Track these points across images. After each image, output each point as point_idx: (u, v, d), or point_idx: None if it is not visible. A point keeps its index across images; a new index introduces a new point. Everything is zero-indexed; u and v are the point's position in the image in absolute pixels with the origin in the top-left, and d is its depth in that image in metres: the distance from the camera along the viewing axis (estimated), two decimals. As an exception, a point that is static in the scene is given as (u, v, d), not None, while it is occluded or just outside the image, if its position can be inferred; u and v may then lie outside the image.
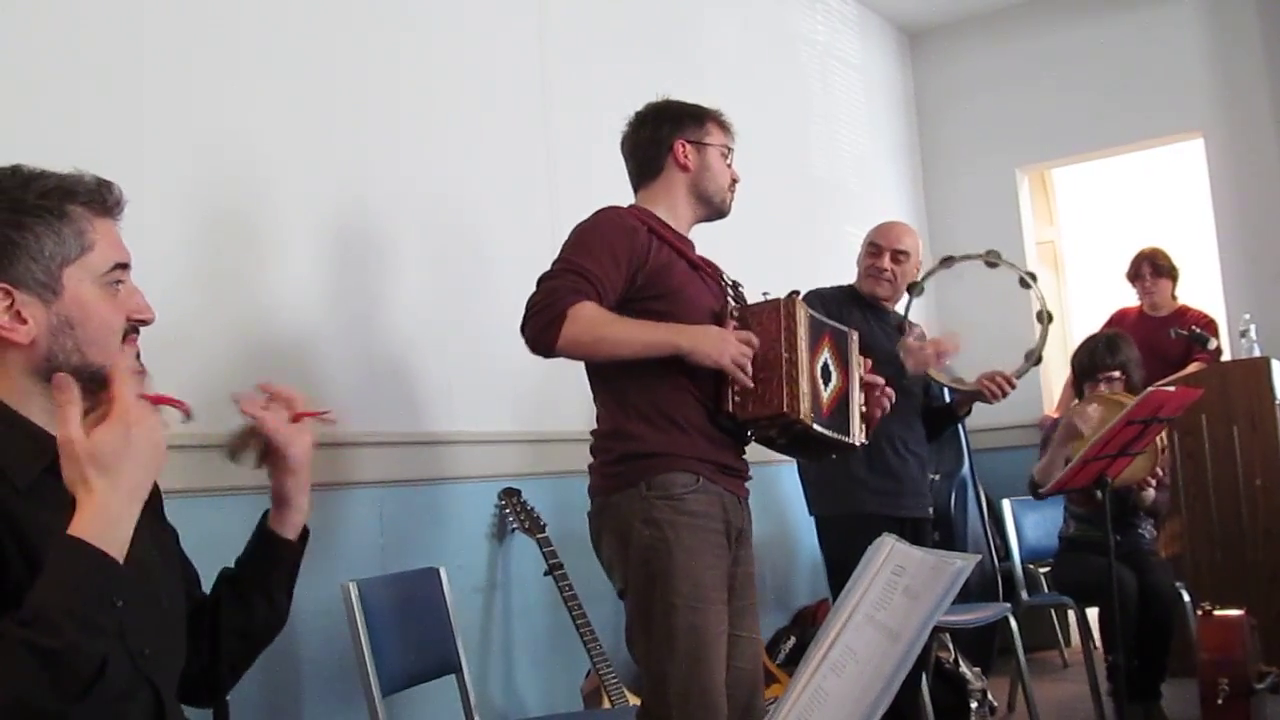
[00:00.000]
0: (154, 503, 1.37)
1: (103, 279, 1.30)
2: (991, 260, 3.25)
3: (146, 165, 2.40)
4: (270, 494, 1.49)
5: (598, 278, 2.21)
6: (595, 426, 2.36)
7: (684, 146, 2.41)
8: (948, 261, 3.28)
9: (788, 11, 5.04)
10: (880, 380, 2.49)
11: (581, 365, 2.38)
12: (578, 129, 3.54)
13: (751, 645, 2.35)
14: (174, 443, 1.27)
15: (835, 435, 2.36)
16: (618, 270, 2.24)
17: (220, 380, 2.41)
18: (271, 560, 1.50)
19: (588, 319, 2.18)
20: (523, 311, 2.22)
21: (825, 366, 2.35)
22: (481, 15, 3.36)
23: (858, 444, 2.42)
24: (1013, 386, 3.20)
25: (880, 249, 3.34)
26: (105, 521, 1.14)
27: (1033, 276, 3.29)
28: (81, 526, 1.14)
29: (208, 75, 2.57)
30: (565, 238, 2.32)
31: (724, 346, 2.22)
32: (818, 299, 3.32)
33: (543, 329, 2.17)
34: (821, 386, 2.32)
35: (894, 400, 2.53)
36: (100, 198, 1.32)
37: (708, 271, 2.41)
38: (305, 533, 1.51)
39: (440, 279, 3.11)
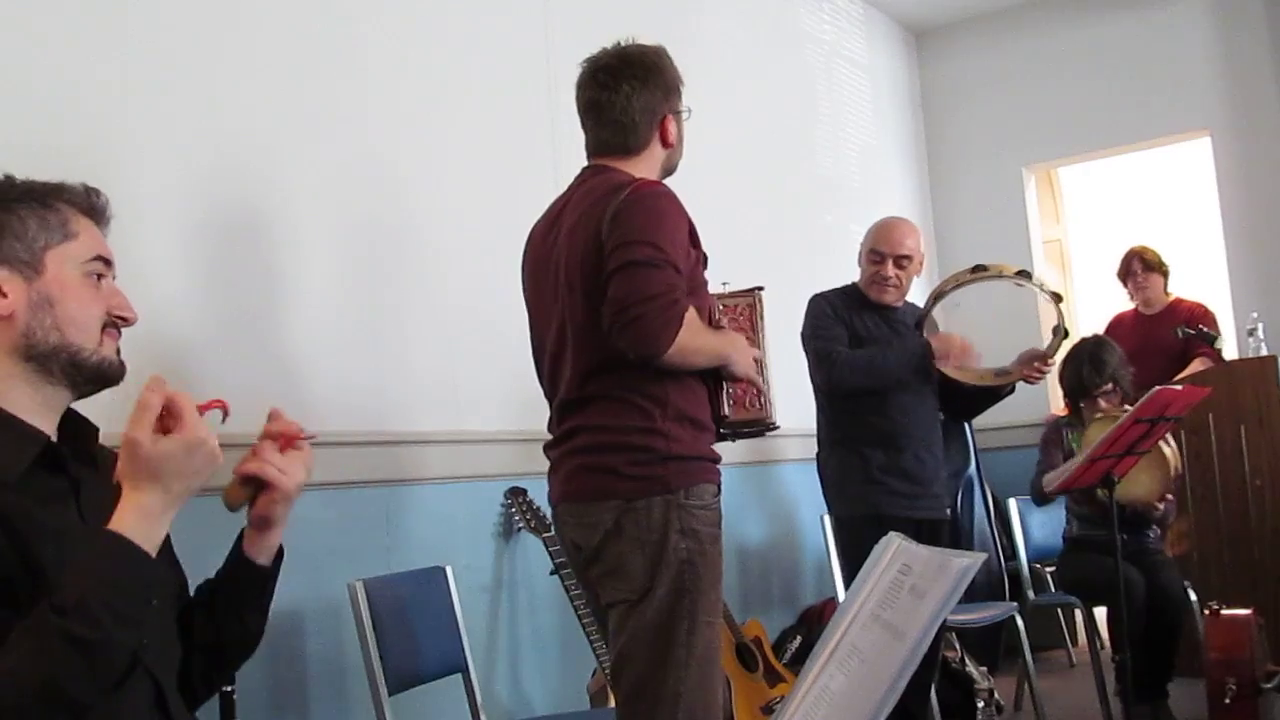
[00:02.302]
0: None
1: (84, 267, 1.34)
2: (1019, 282, 3.22)
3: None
4: (251, 519, 1.43)
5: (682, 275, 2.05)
6: (599, 422, 2.13)
7: (672, 121, 2.24)
8: (979, 270, 3.21)
9: (794, 10, 5.03)
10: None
11: None
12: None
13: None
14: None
15: (774, 425, 2.35)
16: (684, 268, 2.09)
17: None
18: (245, 585, 1.46)
19: (696, 325, 2.05)
20: (624, 304, 1.97)
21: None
22: (487, 20, 3.36)
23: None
24: (1051, 363, 3.23)
25: (883, 256, 3.29)
26: (149, 521, 1.17)
27: (1058, 297, 3.25)
28: (125, 522, 1.16)
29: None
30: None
31: (748, 355, 2.18)
32: (825, 303, 3.30)
33: (663, 328, 1.98)
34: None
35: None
36: (87, 200, 1.37)
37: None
38: (280, 553, 1.48)
39: (443, 277, 3.11)
